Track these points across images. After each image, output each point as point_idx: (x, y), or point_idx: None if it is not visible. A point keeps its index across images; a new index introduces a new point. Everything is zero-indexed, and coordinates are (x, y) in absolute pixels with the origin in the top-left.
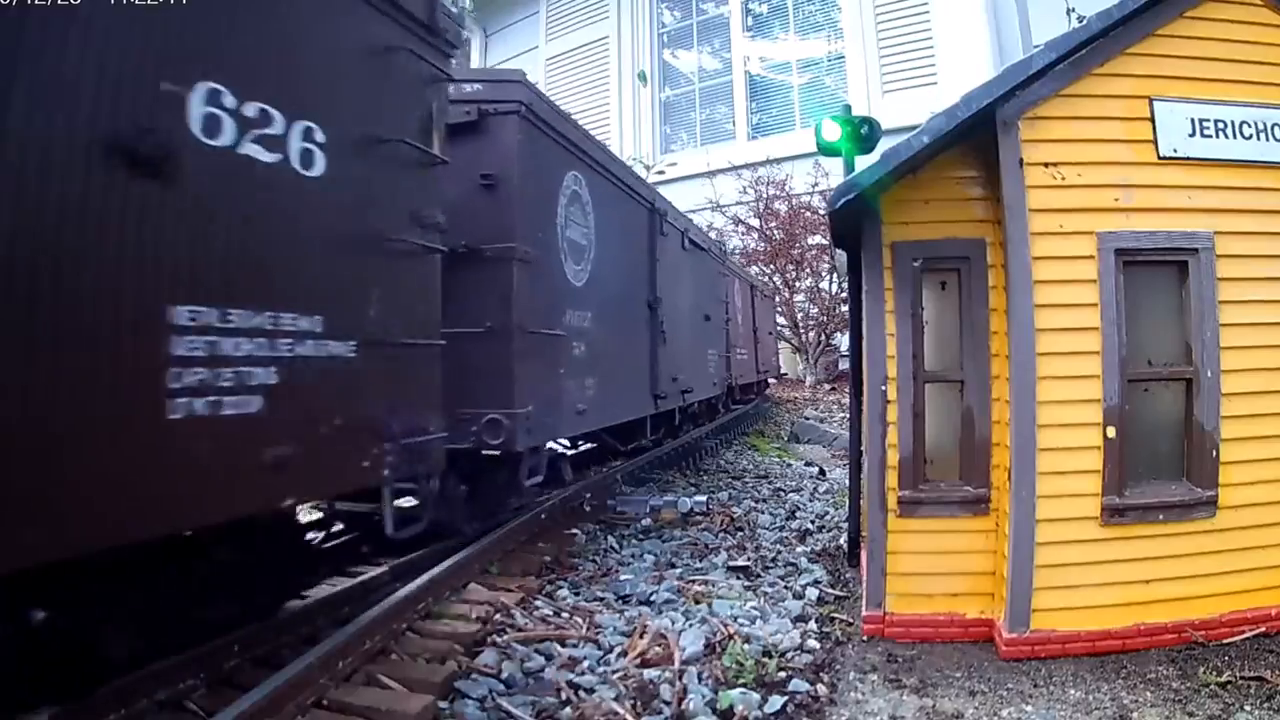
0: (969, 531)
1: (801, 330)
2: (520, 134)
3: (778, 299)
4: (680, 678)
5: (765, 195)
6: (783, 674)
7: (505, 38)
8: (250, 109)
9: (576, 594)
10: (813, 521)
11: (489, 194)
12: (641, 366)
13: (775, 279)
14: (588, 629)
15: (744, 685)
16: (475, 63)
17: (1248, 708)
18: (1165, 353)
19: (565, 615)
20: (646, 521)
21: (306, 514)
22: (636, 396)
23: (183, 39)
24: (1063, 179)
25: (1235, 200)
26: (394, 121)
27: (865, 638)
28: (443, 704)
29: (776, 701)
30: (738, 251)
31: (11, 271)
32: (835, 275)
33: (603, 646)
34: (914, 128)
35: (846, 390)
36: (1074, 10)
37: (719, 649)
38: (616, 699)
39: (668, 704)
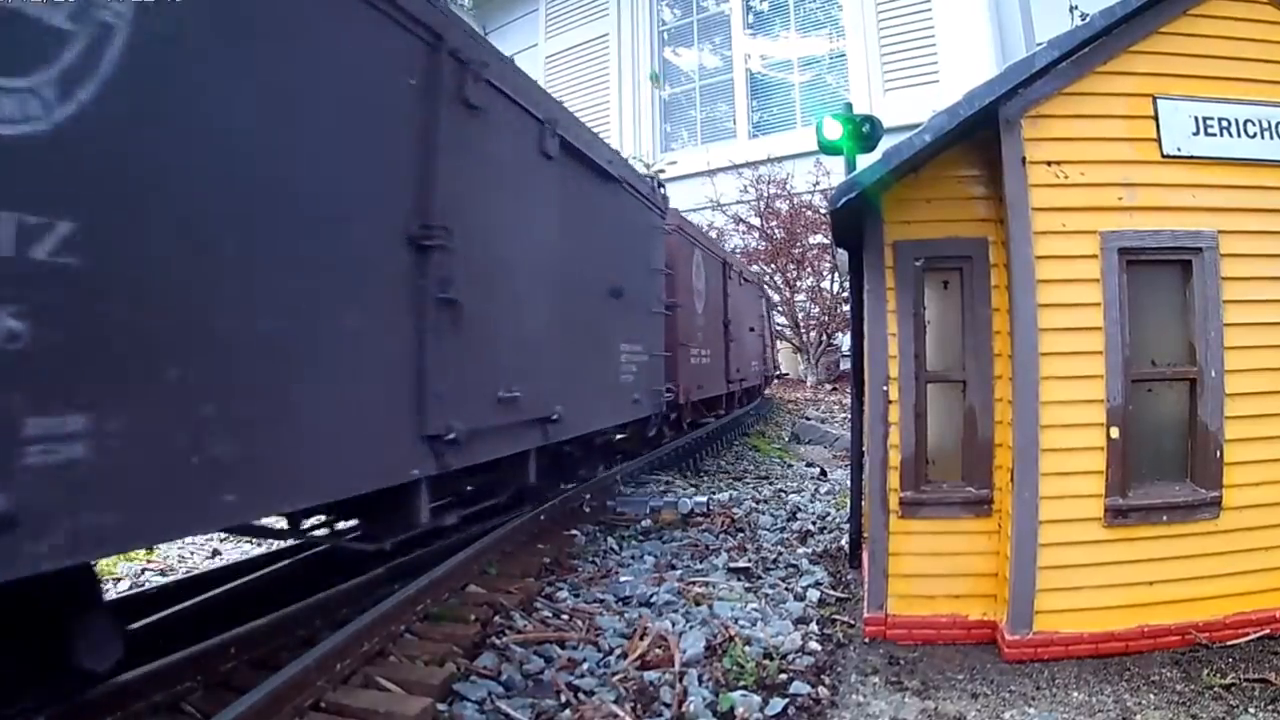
0: (971, 533)
1: (803, 330)
2: None
3: (775, 296)
4: (680, 680)
5: (766, 194)
6: (784, 676)
7: (504, 35)
8: None
9: (576, 595)
10: (814, 523)
11: None
12: (383, 378)
13: (776, 278)
14: (587, 631)
15: (745, 687)
16: None
17: (1252, 710)
18: (1169, 353)
19: (565, 617)
20: (646, 522)
21: None
22: (361, 447)
23: None
24: (1066, 177)
25: (1239, 199)
26: None
27: (867, 639)
28: (441, 706)
29: (777, 704)
30: (739, 251)
31: None
32: (837, 274)
33: (602, 648)
34: (916, 126)
35: (848, 390)
36: (1077, 8)
37: (720, 651)
38: (616, 701)
39: (668, 706)
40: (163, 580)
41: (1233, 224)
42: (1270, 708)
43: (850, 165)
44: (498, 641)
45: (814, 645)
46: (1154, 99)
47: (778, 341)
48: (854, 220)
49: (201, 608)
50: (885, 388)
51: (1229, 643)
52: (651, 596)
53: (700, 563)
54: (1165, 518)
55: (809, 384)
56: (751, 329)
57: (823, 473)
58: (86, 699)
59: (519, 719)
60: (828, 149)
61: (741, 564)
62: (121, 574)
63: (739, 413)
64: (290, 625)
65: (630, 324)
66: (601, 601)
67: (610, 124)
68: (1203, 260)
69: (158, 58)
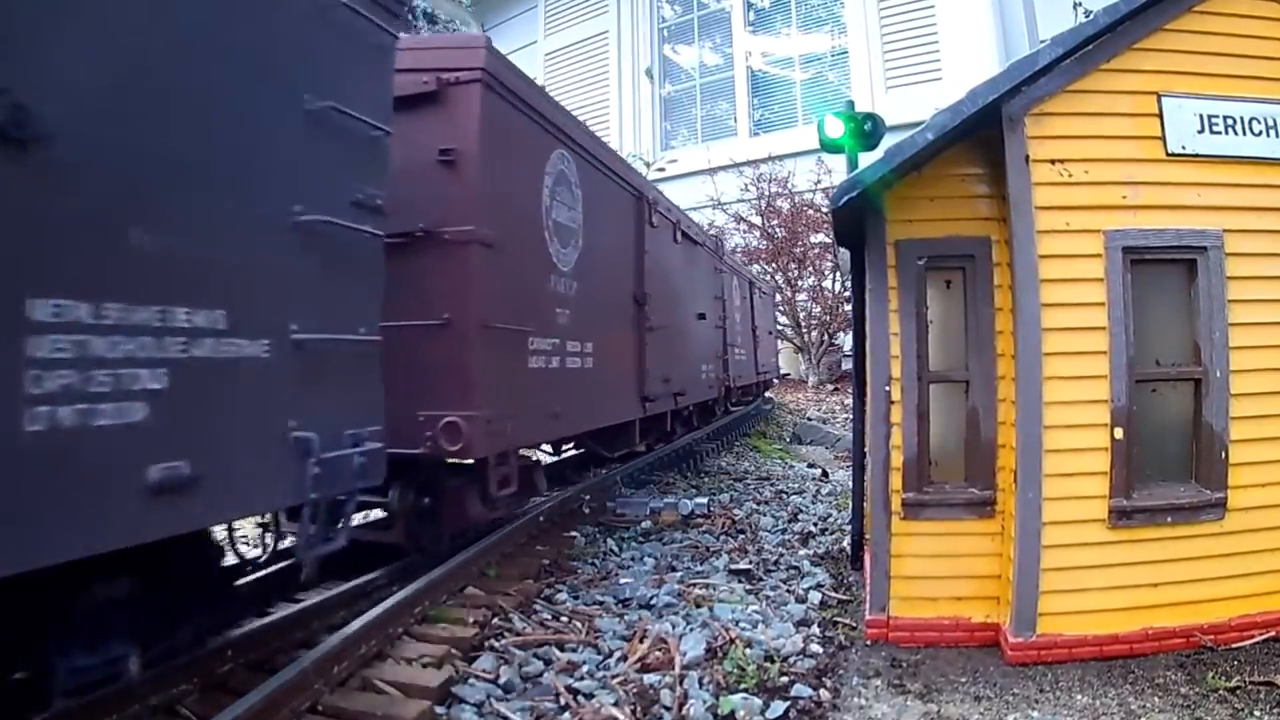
0: (974, 534)
1: (804, 329)
2: None
3: (768, 288)
4: (681, 682)
5: (767, 192)
6: (785, 679)
7: (503, 33)
8: None
9: (575, 597)
10: (815, 524)
11: None
12: None
13: (778, 277)
14: (587, 633)
15: (745, 690)
16: None
17: (1257, 713)
18: (1173, 353)
19: (564, 619)
20: (646, 524)
21: None
22: None
23: None
24: (1069, 176)
25: (1244, 198)
26: None
27: (869, 642)
28: (440, 709)
29: (779, 707)
30: (739, 250)
31: None
32: (838, 274)
33: (602, 651)
34: (918, 124)
35: (849, 391)
36: (1080, 4)
37: (720, 653)
38: (616, 704)
39: (668, 709)
40: None
41: (1238, 223)
42: (1276, 710)
43: (852, 163)
44: (496, 644)
45: (815, 648)
46: (1158, 96)
47: (774, 340)
48: (856, 219)
49: None
50: (887, 388)
51: (1234, 645)
52: (652, 598)
53: (701, 564)
54: (1170, 519)
55: (810, 384)
56: (702, 315)
57: (824, 474)
58: (86, 700)
59: None
60: (829, 147)
61: (742, 566)
62: None
63: (683, 441)
64: (287, 627)
65: (105, 254)
66: (601, 603)
67: (610, 122)
68: (1207, 259)
69: None
